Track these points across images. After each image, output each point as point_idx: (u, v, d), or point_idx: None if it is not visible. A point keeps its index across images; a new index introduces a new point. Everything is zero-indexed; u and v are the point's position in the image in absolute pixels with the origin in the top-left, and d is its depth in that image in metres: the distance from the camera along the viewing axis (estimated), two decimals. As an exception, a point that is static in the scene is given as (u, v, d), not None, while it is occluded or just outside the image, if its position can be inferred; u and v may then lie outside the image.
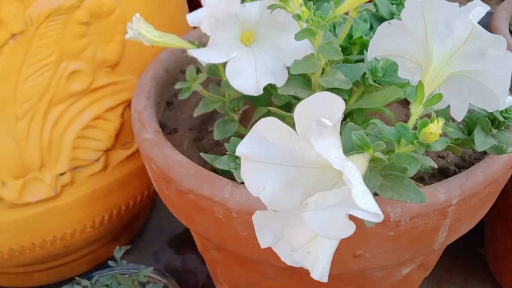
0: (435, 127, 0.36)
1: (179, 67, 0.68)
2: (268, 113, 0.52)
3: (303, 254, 0.35)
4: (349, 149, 0.38)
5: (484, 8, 0.38)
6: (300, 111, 0.33)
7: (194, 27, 0.51)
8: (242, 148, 0.35)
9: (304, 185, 0.35)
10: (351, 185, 0.29)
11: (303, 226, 0.34)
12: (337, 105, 0.32)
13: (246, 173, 0.35)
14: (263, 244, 0.37)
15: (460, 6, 0.39)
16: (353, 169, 0.30)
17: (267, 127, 0.34)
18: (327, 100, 0.32)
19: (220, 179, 0.47)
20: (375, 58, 0.47)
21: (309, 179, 0.35)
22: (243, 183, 0.46)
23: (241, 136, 0.51)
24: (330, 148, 0.31)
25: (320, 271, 0.34)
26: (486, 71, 0.38)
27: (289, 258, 0.37)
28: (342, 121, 0.50)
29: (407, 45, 0.41)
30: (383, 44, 0.42)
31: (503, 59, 0.37)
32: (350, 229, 0.30)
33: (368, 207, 0.28)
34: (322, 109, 0.32)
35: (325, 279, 0.34)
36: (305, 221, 0.30)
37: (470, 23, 0.37)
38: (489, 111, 0.42)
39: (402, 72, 0.44)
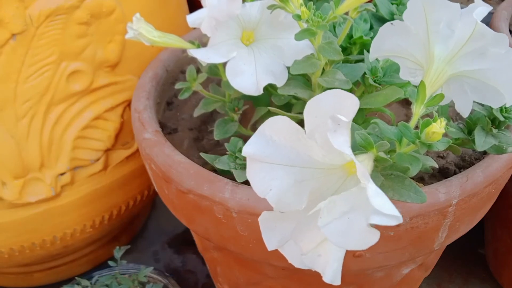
0: (438, 127, 0.36)
1: (179, 67, 0.68)
2: (268, 113, 0.52)
3: (313, 257, 0.34)
4: (352, 149, 0.38)
5: (487, 8, 0.38)
6: (310, 109, 0.32)
7: (194, 27, 0.51)
8: (248, 149, 0.34)
9: (311, 186, 0.35)
10: (366, 183, 0.29)
11: (313, 229, 0.33)
12: (350, 102, 0.31)
13: (251, 173, 0.35)
14: (270, 247, 0.37)
15: (461, 7, 0.39)
16: (364, 167, 0.30)
17: (273, 127, 0.34)
18: (339, 98, 0.31)
19: (220, 179, 0.47)
20: (380, 58, 0.47)
21: (315, 180, 0.35)
22: (243, 183, 0.46)
23: (241, 136, 0.51)
24: (344, 145, 0.30)
25: (331, 274, 0.34)
26: (488, 70, 0.38)
27: (297, 260, 0.36)
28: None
29: (409, 46, 0.41)
30: (385, 45, 0.42)
31: (506, 56, 0.37)
32: (373, 238, 0.29)
33: (384, 208, 0.28)
34: (334, 107, 0.31)
35: (337, 282, 0.34)
36: (324, 236, 0.30)
37: (473, 22, 0.37)
38: (494, 107, 0.42)
39: (403, 74, 0.44)
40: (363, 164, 0.32)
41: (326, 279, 0.34)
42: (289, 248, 0.37)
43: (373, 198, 0.28)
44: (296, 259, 0.36)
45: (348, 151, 0.30)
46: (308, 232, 0.34)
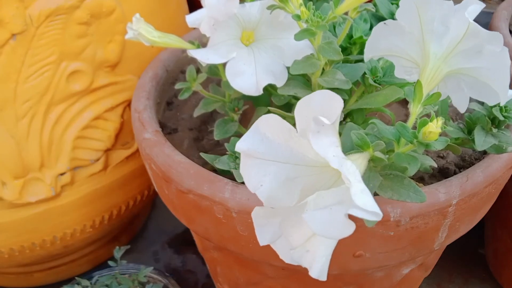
0: (434, 126, 0.36)
1: (179, 67, 0.68)
2: (268, 113, 0.52)
3: (301, 252, 0.35)
4: (349, 149, 0.38)
5: (479, 6, 0.38)
6: (300, 109, 0.33)
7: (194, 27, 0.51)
8: (242, 144, 0.35)
9: (303, 184, 0.35)
10: (349, 184, 0.29)
11: (302, 224, 0.34)
12: (335, 104, 0.32)
13: (245, 169, 0.35)
14: (262, 242, 0.37)
15: (454, 5, 0.39)
16: (352, 168, 0.30)
17: (267, 124, 0.34)
18: (326, 99, 0.32)
19: (220, 179, 0.47)
20: (375, 58, 0.47)
21: (308, 177, 0.35)
22: (243, 183, 0.46)
23: (241, 136, 0.51)
24: (328, 147, 0.30)
25: (318, 269, 0.34)
26: (484, 68, 0.38)
27: (288, 256, 0.37)
28: (342, 121, 0.50)
29: (404, 44, 0.41)
30: (379, 45, 0.42)
31: (501, 55, 0.37)
32: (349, 229, 0.30)
33: (366, 206, 0.28)
34: (321, 107, 0.32)
35: (323, 278, 0.34)
36: (305, 221, 0.30)
37: (466, 21, 0.37)
38: (490, 104, 0.42)
39: (398, 72, 0.44)
40: (355, 163, 0.32)
41: (313, 274, 0.34)
42: (281, 244, 0.37)
43: (355, 196, 0.28)
44: (286, 255, 0.37)
45: (331, 153, 0.30)
46: (297, 226, 0.34)
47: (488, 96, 0.40)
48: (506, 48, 0.37)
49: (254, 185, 0.35)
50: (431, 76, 0.40)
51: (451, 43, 0.39)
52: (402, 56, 0.42)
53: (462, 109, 0.43)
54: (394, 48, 0.42)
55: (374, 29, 0.42)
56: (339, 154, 0.31)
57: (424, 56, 0.40)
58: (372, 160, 0.38)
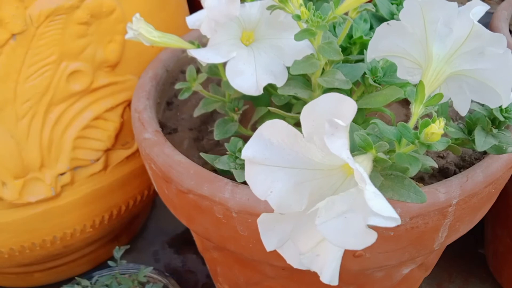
0: (437, 127, 0.36)
1: (179, 67, 0.68)
2: (268, 113, 0.52)
3: (311, 257, 0.34)
4: (351, 150, 0.38)
5: (484, 7, 0.38)
6: (306, 113, 0.32)
7: (194, 28, 0.51)
8: (248, 152, 0.34)
9: (311, 187, 0.35)
10: (364, 186, 0.29)
11: (311, 229, 0.33)
12: (348, 106, 0.31)
13: (251, 176, 0.35)
14: (269, 247, 0.37)
15: (459, 6, 0.39)
16: (361, 170, 0.30)
17: (271, 130, 0.34)
18: (336, 101, 0.31)
19: (220, 179, 0.47)
20: (377, 58, 0.47)
21: (315, 181, 0.35)
22: (243, 183, 0.46)
23: (241, 136, 0.51)
24: (341, 149, 0.30)
25: (329, 274, 0.34)
26: (486, 70, 0.38)
27: (295, 261, 0.36)
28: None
29: (407, 45, 0.41)
30: (382, 45, 0.42)
31: (504, 57, 0.37)
32: (371, 238, 0.29)
33: (382, 211, 0.28)
34: (331, 111, 0.31)
35: (335, 282, 0.34)
36: (321, 234, 0.30)
37: (470, 22, 0.37)
38: (492, 107, 0.42)
39: (401, 73, 0.44)
40: (362, 165, 0.32)
41: (324, 279, 0.34)
42: (288, 249, 0.37)
43: (370, 201, 0.28)
44: (294, 260, 0.36)
45: (345, 154, 0.30)
46: (307, 232, 0.34)
47: (490, 98, 0.40)
48: (509, 50, 0.37)
49: (262, 193, 0.35)
50: (433, 77, 0.40)
51: (454, 45, 0.39)
52: (404, 57, 0.42)
53: (463, 112, 0.43)
54: (396, 48, 0.42)
55: (377, 29, 0.42)
56: (350, 157, 0.30)
57: (427, 57, 0.40)
58: (375, 161, 0.38)
